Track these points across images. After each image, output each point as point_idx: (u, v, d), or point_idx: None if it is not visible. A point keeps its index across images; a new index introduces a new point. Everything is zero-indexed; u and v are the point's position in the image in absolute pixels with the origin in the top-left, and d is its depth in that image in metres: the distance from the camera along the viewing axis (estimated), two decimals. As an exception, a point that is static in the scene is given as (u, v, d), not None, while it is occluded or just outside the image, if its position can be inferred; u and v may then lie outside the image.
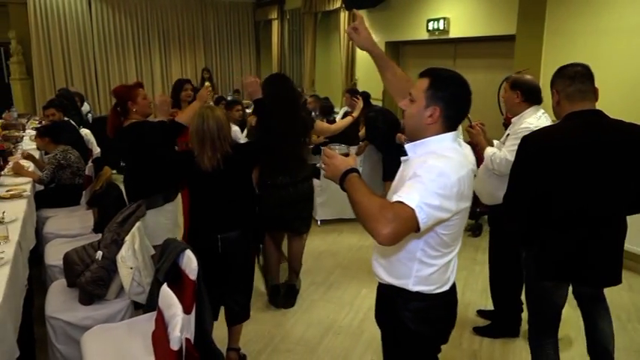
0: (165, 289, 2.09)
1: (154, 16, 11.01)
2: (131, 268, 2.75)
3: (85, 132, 6.04)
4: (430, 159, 1.54)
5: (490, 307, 3.51)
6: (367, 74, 8.22)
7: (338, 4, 8.27)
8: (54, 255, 3.44)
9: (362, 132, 5.58)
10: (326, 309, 3.72)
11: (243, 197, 2.87)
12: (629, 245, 2.49)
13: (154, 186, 3.37)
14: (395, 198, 1.47)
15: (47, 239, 3.85)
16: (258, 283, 3.96)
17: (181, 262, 2.44)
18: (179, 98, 4.49)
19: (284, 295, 3.77)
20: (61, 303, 2.80)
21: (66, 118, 5.77)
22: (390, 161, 5.54)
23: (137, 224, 2.87)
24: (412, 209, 1.42)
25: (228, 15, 11.89)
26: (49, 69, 10.28)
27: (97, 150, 5.29)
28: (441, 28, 6.25)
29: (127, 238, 2.79)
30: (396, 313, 1.75)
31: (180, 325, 1.79)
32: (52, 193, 4.54)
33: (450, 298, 1.77)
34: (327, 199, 5.35)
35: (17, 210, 3.46)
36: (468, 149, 1.73)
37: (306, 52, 9.80)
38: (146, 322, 2.59)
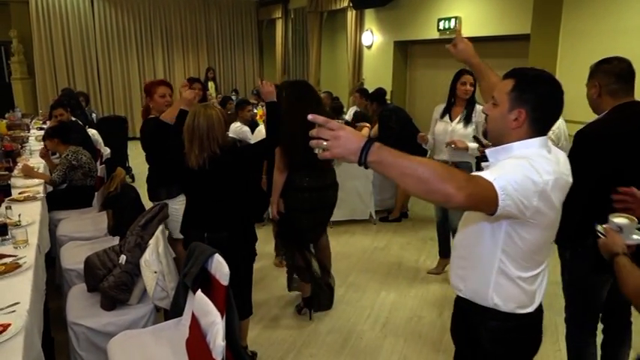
0: (200, 295, 2.02)
1: (156, 15, 10.92)
2: (155, 273, 2.69)
3: (92, 132, 5.96)
4: (513, 159, 1.46)
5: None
6: (374, 74, 8.18)
7: (345, 3, 8.22)
8: (70, 258, 3.38)
9: (374, 131, 5.50)
10: (346, 312, 3.66)
11: (233, 199, 2.75)
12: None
13: (162, 179, 3.39)
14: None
15: (61, 242, 3.78)
16: (276, 289, 3.91)
17: (210, 266, 2.37)
18: None
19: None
20: (82, 309, 2.74)
21: (73, 119, 5.70)
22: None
23: (160, 227, 2.81)
24: (490, 182, 1.32)
25: (231, 14, 11.80)
26: (51, 68, 10.18)
27: (106, 151, 5.21)
28: (453, 27, 6.20)
29: (151, 241, 2.73)
30: (473, 331, 1.67)
31: (222, 333, 1.73)
32: (63, 195, 4.47)
33: (533, 321, 1.65)
34: (339, 200, 5.28)
35: (33, 212, 3.39)
36: (562, 156, 1.59)
37: (311, 51, 9.73)
38: (172, 328, 2.54)
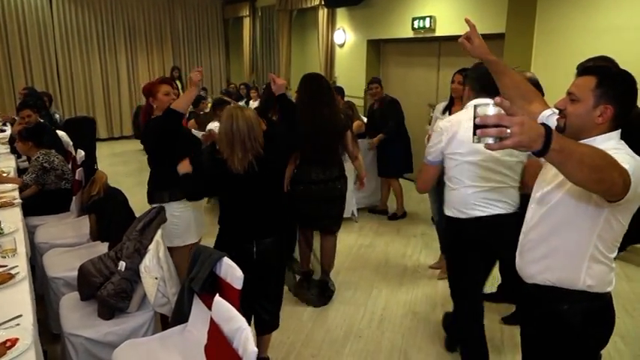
0: (220, 300, 1.97)
1: (119, 13, 10.55)
2: (156, 279, 2.61)
3: (61, 134, 5.72)
4: (613, 152, 1.49)
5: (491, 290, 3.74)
6: (347, 72, 8.20)
7: (316, 2, 8.18)
8: (55, 266, 3.23)
9: (357, 125, 5.48)
10: (341, 312, 3.65)
11: (278, 200, 2.77)
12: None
13: (163, 181, 3.22)
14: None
15: (41, 250, 3.60)
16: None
17: (219, 270, 2.31)
18: None
19: (318, 294, 3.79)
20: (78, 319, 2.61)
21: (41, 120, 5.45)
22: (389, 158, 5.51)
23: (159, 232, 2.71)
24: (626, 169, 1.39)
25: (196, 12, 11.55)
26: (7, 67, 9.68)
27: (80, 154, 4.98)
28: (427, 26, 6.27)
29: (151, 246, 2.64)
30: (558, 318, 1.71)
31: (252, 339, 1.68)
32: (36, 200, 4.25)
33: (611, 298, 1.74)
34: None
35: (14, 219, 3.23)
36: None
37: (281, 49, 9.65)
38: (178, 334, 2.46)
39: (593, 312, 1.70)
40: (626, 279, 4.14)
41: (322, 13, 8.25)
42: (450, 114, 3.91)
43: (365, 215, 5.74)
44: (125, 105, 10.99)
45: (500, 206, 2.45)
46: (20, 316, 2.03)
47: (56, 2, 9.91)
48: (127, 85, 10.95)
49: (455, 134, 2.43)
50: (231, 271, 2.23)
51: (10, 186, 4.01)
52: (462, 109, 2.70)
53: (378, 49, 7.73)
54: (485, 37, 5.97)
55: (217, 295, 2.00)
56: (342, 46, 8.24)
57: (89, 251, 3.43)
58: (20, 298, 2.21)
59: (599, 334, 1.73)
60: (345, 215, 5.40)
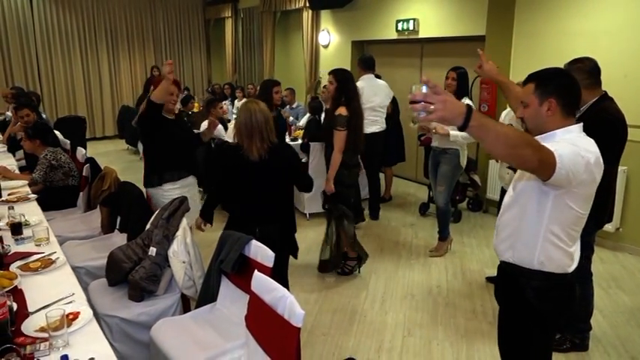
0: (259, 274, 2.18)
1: (100, 14, 10.55)
2: (184, 262, 2.81)
3: (56, 133, 5.79)
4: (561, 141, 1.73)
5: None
6: (331, 72, 8.44)
7: (301, 4, 8.41)
8: (75, 257, 3.35)
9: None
10: (344, 295, 3.90)
11: (286, 190, 3.02)
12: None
13: (151, 167, 3.59)
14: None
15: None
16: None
17: (249, 252, 2.53)
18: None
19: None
20: (110, 302, 2.78)
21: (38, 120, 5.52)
22: (387, 149, 5.87)
23: (184, 220, 2.91)
24: (552, 151, 1.60)
25: (178, 12, 11.63)
26: (-13, 68, 9.60)
27: (82, 152, 5.09)
28: (411, 28, 6.58)
29: (178, 233, 2.84)
30: (519, 292, 1.92)
31: (297, 304, 1.91)
32: (43, 196, 4.35)
33: (571, 279, 1.89)
34: (314, 192, 5.48)
35: (34, 212, 3.38)
36: (593, 142, 1.80)
37: (265, 50, 9.84)
38: (208, 312, 2.67)
39: (546, 289, 1.87)
40: (600, 261, 4.52)
41: (306, 15, 8.48)
42: None
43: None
44: (107, 105, 11.00)
45: (376, 127, 5.26)
46: (73, 294, 2.21)
47: (37, 3, 9.86)
48: (109, 85, 10.95)
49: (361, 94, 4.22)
50: (262, 251, 2.45)
51: (20, 182, 4.12)
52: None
53: (362, 50, 8.01)
54: (467, 38, 6.30)
55: (256, 271, 2.22)
56: (326, 47, 8.50)
57: (104, 243, 3.60)
58: (66, 280, 2.39)
59: (551, 308, 1.90)
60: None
